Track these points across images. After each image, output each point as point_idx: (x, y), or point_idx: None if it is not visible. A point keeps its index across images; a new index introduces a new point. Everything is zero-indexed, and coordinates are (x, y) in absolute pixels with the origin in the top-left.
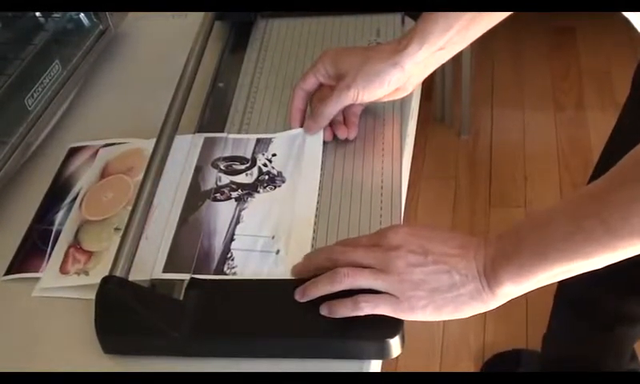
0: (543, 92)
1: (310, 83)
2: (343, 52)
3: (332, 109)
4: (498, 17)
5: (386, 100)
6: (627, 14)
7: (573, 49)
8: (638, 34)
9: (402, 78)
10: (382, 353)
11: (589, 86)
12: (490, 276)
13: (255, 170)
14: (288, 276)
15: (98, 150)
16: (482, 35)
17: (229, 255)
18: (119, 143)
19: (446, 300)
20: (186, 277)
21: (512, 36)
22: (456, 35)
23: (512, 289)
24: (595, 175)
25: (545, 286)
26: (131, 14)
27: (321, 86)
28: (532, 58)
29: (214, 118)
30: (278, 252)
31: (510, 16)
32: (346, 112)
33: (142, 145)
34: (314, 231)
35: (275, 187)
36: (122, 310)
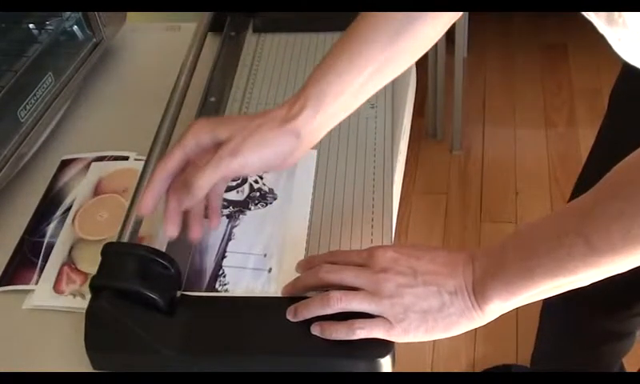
0: (534, 108)
1: (177, 161)
2: (222, 120)
3: (212, 178)
4: (401, 67)
5: (270, 171)
6: (599, 27)
7: (564, 66)
8: None
9: (296, 144)
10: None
11: (580, 103)
12: (478, 293)
13: (246, 187)
14: (280, 295)
15: (90, 163)
16: (475, 51)
17: (220, 272)
18: (111, 156)
19: (437, 321)
20: (176, 294)
21: (504, 52)
22: (351, 98)
23: (500, 305)
24: (576, 189)
25: (534, 302)
26: (124, 27)
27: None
28: (524, 75)
29: None
30: (270, 270)
31: (502, 32)
32: (208, 194)
33: (136, 165)
34: (305, 250)
35: (266, 204)
36: (112, 326)
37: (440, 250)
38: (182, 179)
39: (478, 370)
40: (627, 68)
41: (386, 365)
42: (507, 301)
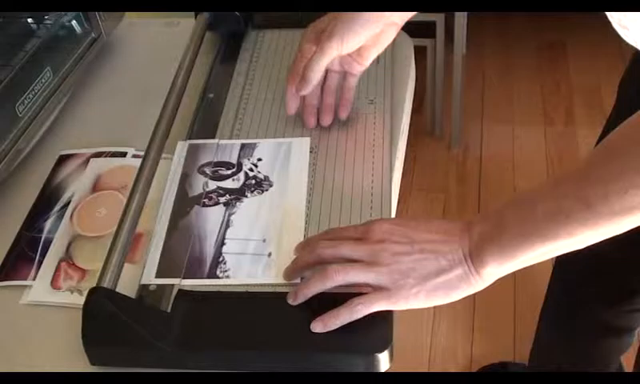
0: (533, 106)
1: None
2: (348, 25)
3: (320, 64)
4: None
5: (371, 57)
6: (617, 28)
7: (563, 64)
8: (629, 49)
9: (381, 18)
10: (371, 367)
11: (579, 101)
12: (475, 258)
13: (242, 175)
14: (281, 279)
15: (88, 159)
16: (474, 48)
17: (220, 259)
18: (110, 151)
19: (436, 285)
20: (177, 281)
21: (502, 50)
22: None
23: (496, 269)
24: None
25: (532, 299)
26: (123, 22)
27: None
28: (522, 72)
29: (203, 129)
30: (269, 255)
31: (501, 30)
32: (342, 88)
33: (135, 162)
34: (304, 235)
35: (262, 191)
36: (109, 321)
37: (436, 219)
38: (296, 70)
39: (475, 367)
40: (637, 58)
41: (383, 360)
42: (502, 265)
